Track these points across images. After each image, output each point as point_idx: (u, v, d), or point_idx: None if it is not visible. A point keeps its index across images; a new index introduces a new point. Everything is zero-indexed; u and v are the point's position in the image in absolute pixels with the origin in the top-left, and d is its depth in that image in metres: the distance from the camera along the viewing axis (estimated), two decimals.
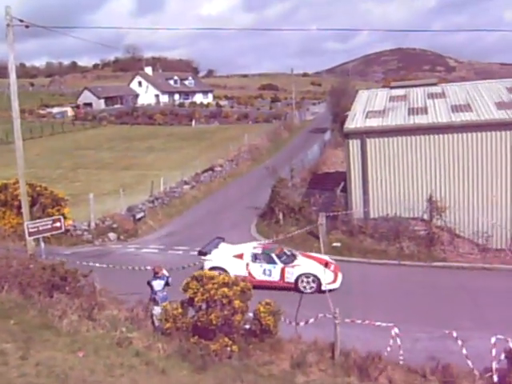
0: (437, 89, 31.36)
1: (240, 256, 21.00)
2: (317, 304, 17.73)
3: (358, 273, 22.31)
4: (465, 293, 19.88)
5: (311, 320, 14.64)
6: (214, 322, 13.73)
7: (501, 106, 26.37)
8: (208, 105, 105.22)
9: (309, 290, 20.23)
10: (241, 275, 19.57)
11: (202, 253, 21.40)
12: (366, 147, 25.76)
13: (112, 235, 28.61)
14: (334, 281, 20.35)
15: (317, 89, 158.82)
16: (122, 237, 28.83)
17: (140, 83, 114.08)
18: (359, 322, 14.52)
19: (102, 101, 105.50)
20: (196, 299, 14.13)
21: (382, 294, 19.84)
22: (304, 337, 14.87)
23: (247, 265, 20.67)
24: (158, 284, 15.61)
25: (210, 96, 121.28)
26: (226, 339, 13.78)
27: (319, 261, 21.22)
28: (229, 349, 13.71)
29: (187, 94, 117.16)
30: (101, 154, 58.68)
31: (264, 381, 13.06)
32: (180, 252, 25.72)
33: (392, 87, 33.77)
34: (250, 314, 14.37)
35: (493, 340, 12.72)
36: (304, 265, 20.71)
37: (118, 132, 76.92)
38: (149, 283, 15.69)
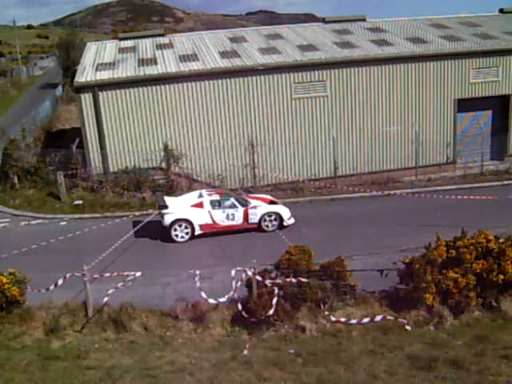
0: (165, 39, 31.91)
1: (199, 205, 20.81)
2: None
3: (96, 231, 20.76)
4: (209, 234, 20.92)
5: (60, 282, 14.05)
6: None
7: (224, 55, 27.95)
8: None
9: (271, 229, 21.00)
10: (204, 223, 20.55)
11: (162, 207, 20.62)
12: (99, 101, 25.43)
13: None
14: (291, 217, 21.26)
15: (44, 42, 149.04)
16: None
17: None
18: (107, 275, 14.47)
19: None
20: None
21: (130, 247, 19.66)
22: (56, 301, 14.33)
23: (209, 212, 20.64)
24: None
25: None
26: None
27: (265, 200, 22.24)
28: None
29: None
30: None
31: (17, 354, 12.56)
32: None
33: (121, 39, 33.44)
34: None
35: (233, 272, 13.77)
36: (264, 205, 21.49)
37: None
38: None
